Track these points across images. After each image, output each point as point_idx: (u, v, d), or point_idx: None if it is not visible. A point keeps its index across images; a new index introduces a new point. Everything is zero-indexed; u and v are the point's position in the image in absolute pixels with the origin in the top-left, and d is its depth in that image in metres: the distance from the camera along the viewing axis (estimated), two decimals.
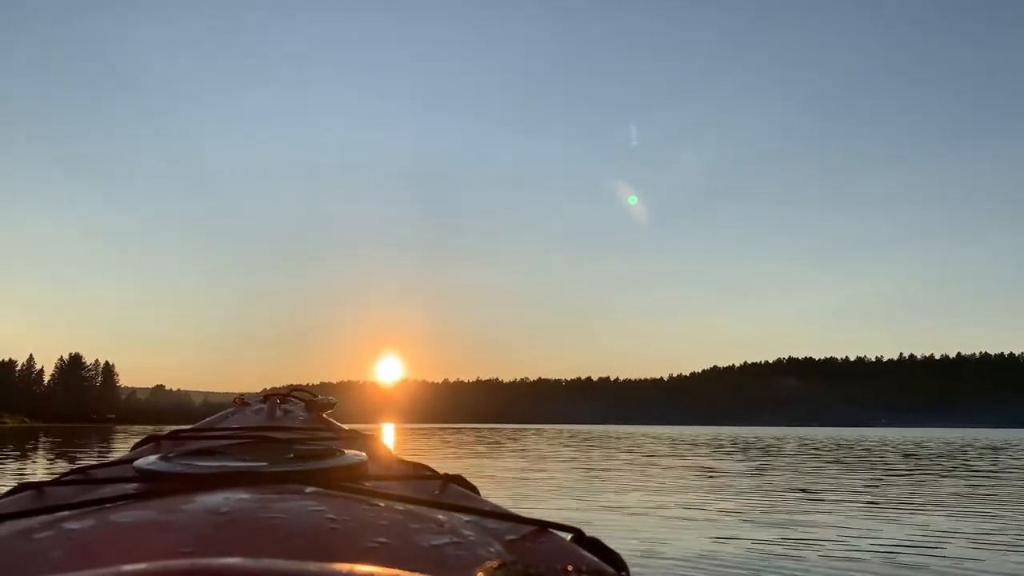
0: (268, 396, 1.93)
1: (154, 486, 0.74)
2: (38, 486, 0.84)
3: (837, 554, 3.97)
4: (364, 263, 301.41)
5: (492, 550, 0.61)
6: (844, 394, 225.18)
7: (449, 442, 23.47)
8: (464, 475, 0.93)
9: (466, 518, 0.70)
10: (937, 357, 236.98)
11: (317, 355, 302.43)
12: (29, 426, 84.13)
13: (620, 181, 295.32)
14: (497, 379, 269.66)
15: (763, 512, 5.70)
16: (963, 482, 8.81)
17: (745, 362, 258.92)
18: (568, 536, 0.69)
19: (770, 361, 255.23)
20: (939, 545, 4.28)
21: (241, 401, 1.93)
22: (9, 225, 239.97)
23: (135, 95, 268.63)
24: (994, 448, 20.77)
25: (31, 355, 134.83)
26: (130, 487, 0.77)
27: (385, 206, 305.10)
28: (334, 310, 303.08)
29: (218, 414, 1.78)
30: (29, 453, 15.51)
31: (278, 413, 1.77)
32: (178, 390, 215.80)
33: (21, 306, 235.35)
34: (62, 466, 11.30)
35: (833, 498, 6.82)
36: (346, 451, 0.93)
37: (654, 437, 31.23)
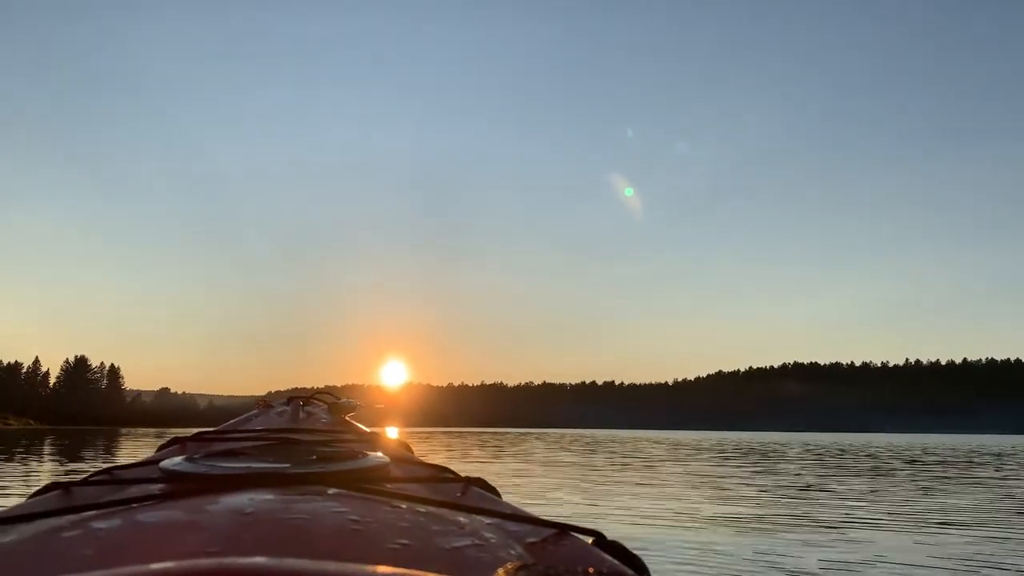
0: (291, 399, 1.97)
1: (180, 487, 0.75)
2: (66, 486, 0.86)
3: (839, 560, 3.98)
4: (369, 266, 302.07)
5: (513, 553, 0.61)
6: (849, 399, 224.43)
7: (449, 445, 23.48)
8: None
9: (487, 521, 0.71)
10: (943, 362, 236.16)
11: (322, 358, 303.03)
12: (35, 428, 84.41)
13: (624, 183, 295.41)
14: (502, 383, 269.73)
15: (770, 517, 5.70)
16: (967, 489, 8.79)
17: (750, 367, 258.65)
18: (589, 539, 0.69)
19: (775, 366, 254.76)
20: (937, 551, 4.28)
21: (265, 404, 1.96)
22: (14, 227, 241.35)
23: (139, 96, 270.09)
24: (1000, 454, 20.69)
25: (37, 357, 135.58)
26: (156, 488, 0.78)
27: (389, 208, 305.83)
28: (339, 313, 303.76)
29: (242, 416, 1.80)
30: (36, 455, 15.56)
31: (301, 415, 1.79)
32: (183, 393, 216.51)
33: (27, 309, 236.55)
34: (70, 468, 11.34)
35: (836, 504, 6.82)
36: (368, 453, 0.94)
37: (656, 442, 31.18)
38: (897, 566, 3.81)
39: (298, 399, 1.96)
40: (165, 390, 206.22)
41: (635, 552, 0.66)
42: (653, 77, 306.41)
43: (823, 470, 12.05)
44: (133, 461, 1.10)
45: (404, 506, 0.69)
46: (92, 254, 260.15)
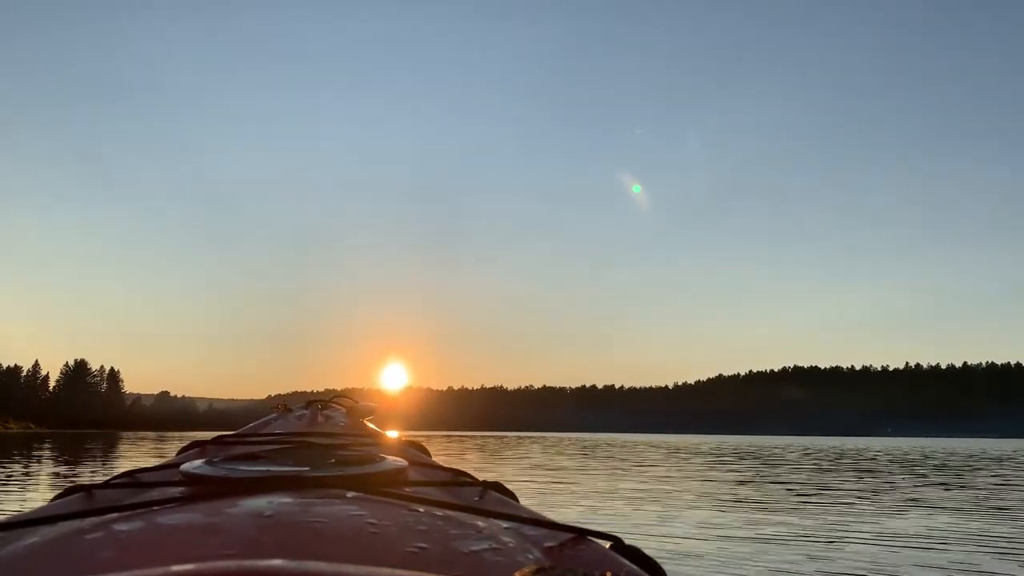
0: (310, 402, 1.99)
1: (200, 490, 0.76)
2: (88, 488, 0.87)
3: (836, 564, 3.99)
4: (369, 269, 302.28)
5: (530, 557, 0.62)
6: (850, 403, 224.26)
7: (447, 449, 23.48)
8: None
9: (505, 524, 0.71)
10: (944, 366, 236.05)
11: (322, 362, 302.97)
12: (34, 432, 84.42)
13: (627, 188, 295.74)
14: (502, 386, 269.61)
15: (769, 523, 5.72)
16: (965, 493, 8.80)
17: (751, 371, 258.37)
18: (607, 544, 0.69)
19: (776, 370, 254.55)
20: (933, 557, 4.30)
21: (284, 407, 1.98)
22: (15, 230, 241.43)
23: (141, 100, 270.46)
24: (1000, 459, 20.69)
25: (36, 361, 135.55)
26: (176, 491, 0.79)
27: (389, 211, 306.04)
28: (339, 317, 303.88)
29: (261, 420, 1.82)
30: (47, 459, 15.58)
31: (319, 419, 1.80)
32: (183, 397, 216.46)
33: (27, 312, 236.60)
34: (70, 471, 11.36)
35: (837, 507, 6.83)
36: (386, 457, 0.95)
37: (653, 446, 31.18)
38: (894, 570, 3.83)
39: (316, 403, 1.98)
40: (165, 393, 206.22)
41: (652, 557, 0.66)
42: (655, 80, 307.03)
43: (821, 474, 12.06)
44: (153, 464, 1.10)
45: (422, 510, 0.69)
46: (92, 257, 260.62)
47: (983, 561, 4.13)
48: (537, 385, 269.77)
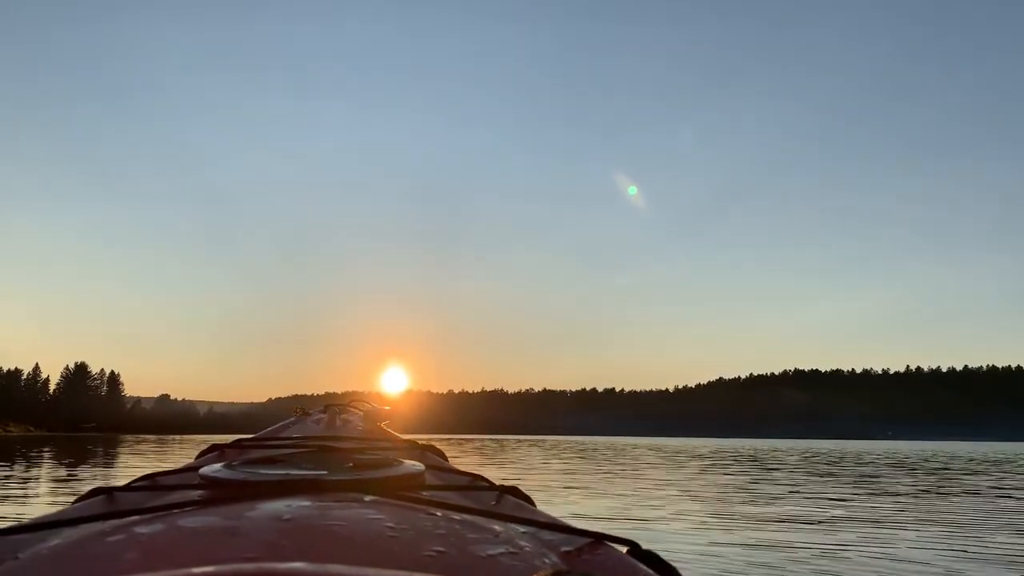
0: (328, 406, 2.02)
1: (219, 493, 0.77)
2: (109, 491, 0.88)
3: (832, 568, 4.01)
4: (370, 273, 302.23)
5: (548, 561, 0.62)
6: (850, 407, 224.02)
7: (445, 452, 23.47)
8: None
9: (522, 529, 0.71)
10: (944, 370, 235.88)
11: (323, 365, 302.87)
12: (34, 435, 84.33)
13: (627, 192, 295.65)
14: (502, 390, 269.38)
15: (773, 525, 5.74)
16: (964, 497, 8.82)
17: (751, 374, 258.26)
18: (624, 548, 0.69)
19: (776, 373, 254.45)
20: (928, 562, 4.32)
21: (302, 411, 2.00)
22: (15, 232, 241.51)
23: (142, 103, 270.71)
24: (1001, 463, 20.68)
25: (36, 364, 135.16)
26: (196, 494, 0.80)
27: (390, 214, 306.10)
28: (340, 320, 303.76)
29: (280, 424, 1.85)
30: (35, 463, 15.59)
31: (338, 423, 1.83)
32: (183, 400, 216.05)
33: (27, 315, 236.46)
34: (72, 473, 11.37)
35: (836, 512, 6.85)
36: (404, 461, 0.96)
37: (652, 449, 31.17)
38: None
39: (335, 407, 2.01)
40: (165, 397, 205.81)
41: (670, 562, 0.66)
42: (655, 82, 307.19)
43: (821, 478, 12.07)
44: (173, 467, 1.11)
45: (439, 514, 0.69)
46: (92, 260, 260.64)
47: (981, 567, 4.15)
48: (537, 388, 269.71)
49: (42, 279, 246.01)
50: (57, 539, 0.65)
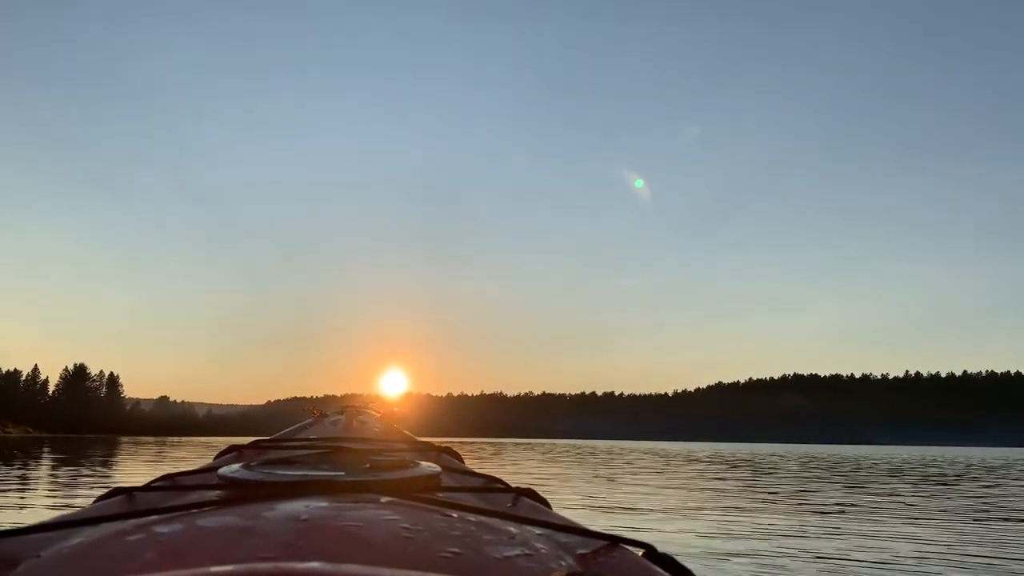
0: (345, 408, 2.06)
1: (237, 493, 0.78)
2: (129, 491, 0.90)
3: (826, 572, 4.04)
4: (369, 275, 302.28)
5: (563, 563, 0.62)
6: (849, 411, 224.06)
7: None
8: None
9: (538, 531, 0.72)
10: (943, 375, 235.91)
11: (322, 367, 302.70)
12: (33, 436, 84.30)
13: (628, 192, 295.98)
14: (501, 393, 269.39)
15: (774, 530, 5.76)
16: (963, 502, 8.84)
17: (750, 378, 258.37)
18: (640, 551, 0.69)
19: (775, 378, 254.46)
20: (923, 567, 4.35)
21: (319, 413, 2.04)
22: (15, 234, 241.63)
23: (141, 106, 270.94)
24: (999, 468, 20.69)
25: (36, 365, 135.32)
26: (214, 494, 0.81)
27: (390, 217, 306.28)
28: (339, 322, 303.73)
29: (297, 425, 1.88)
30: (34, 464, 15.60)
31: (354, 424, 1.85)
32: (182, 402, 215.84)
33: (27, 317, 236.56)
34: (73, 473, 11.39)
35: (834, 517, 6.87)
36: (420, 462, 0.96)
37: (646, 452, 31.18)
38: None
39: (351, 408, 2.05)
40: (164, 398, 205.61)
41: (686, 565, 0.66)
42: (657, 83, 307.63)
43: (818, 483, 12.09)
44: (193, 468, 1.12)
45: (455, 515, 0.70)
46: (92, 261, 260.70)
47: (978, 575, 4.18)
48: (537, 391, 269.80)
49: (42, 280, 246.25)
50: (78, 538, 0.66)
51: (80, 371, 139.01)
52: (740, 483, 11.40)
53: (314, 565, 0.32)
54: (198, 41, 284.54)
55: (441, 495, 0.81)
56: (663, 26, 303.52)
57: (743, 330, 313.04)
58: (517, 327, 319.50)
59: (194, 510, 0.69)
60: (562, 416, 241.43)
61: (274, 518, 0.63)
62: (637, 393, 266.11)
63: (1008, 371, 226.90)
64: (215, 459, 1.31)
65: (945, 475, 15.35)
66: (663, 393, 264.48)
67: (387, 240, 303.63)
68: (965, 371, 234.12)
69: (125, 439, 57.06)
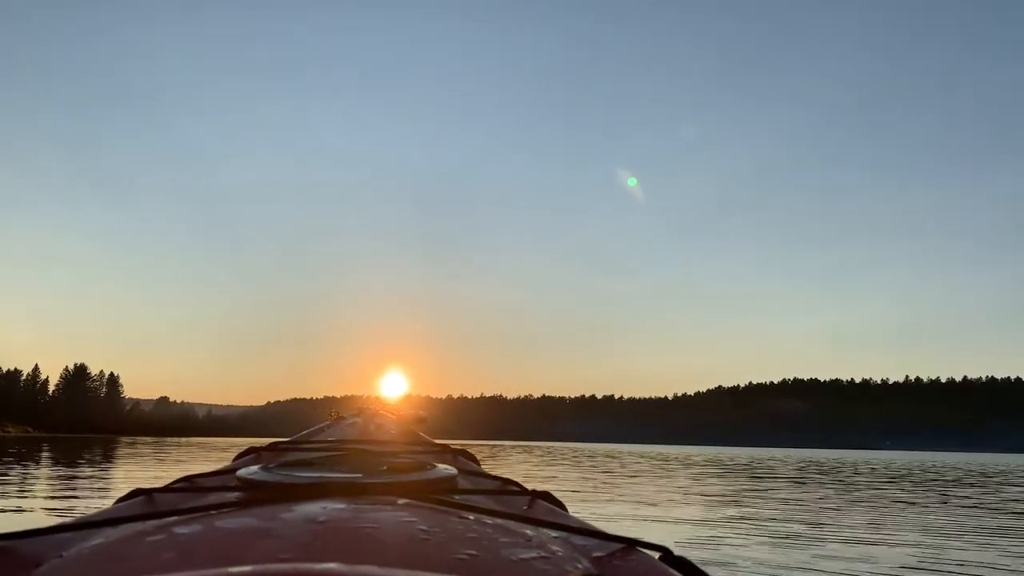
0: (362, 410, 2.09)
1: (255, 495, 0.78)
2: (148, 492, 0.91)
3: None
4: (369, 277, 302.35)
5: (580, 566, 0.62)
6: (849, 416, 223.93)
7: None
8: None
9: (554, 533, 0.72)
10: (943, 380, 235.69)
11: (322, 368, 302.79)
12: (33, 436, 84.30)
13: (626, 193, 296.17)
14: (501, 395, 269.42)
15: (774, 534, 5.77)
16: (961, 510, 8.85)
17: (750, 382, 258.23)
18: (656, 554, 0.70)
19: (775, 382, 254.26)
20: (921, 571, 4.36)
21: (337, 415, 2.06)
22: (15, 234, 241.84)
23: (141, 107, 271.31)
24: (999, 474, 20.67)
25: (36, 365, 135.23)
26: (233, 495, 0.82)
27: (389, 219, 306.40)
28: (338, 324, 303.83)
29: (315, 427, 1.89)
30: (33, 464, 15.62)
31: (371, 427, 1.87)
32: (182, 402, 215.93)
33: (27, 316, 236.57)
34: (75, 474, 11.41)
35: (832, 522, 6.88)
36: (437, 465, 0.96)
37: (641, 455, 31.18)
38: None
39: (368, 410, 2.07)
40: (164, 399, 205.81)
41: (703, 569, 0.66)
42: (658, 87, 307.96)
43: (820, 487, 12.09)
44: (211, 470, 1.14)
45: (472, 517, 0.70)
46: (92, 261, 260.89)
47: None
48: (536, 394, 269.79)
49: (42, 280, 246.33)
50: (99, 538, 0.66)
51: (80, 371, 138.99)
52: (737, 487, 11.40)
53: (331, 566, 0.33)
54: (199, 42, 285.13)
55: (457, 497, 0.82)
56: (665, 29, 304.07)
57: (744, 334, 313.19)
58: (517, 329, 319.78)
59: (213, 511, 0.70)
60: (562, 419, 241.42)
61: (292, 519, 0.64)
62: (637, 396, 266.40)
63: (1009, 377, 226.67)
64: (233, 460, 1.32)
65: (945, 482, 15.34)
66: (663, 396, 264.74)
67: (387, 241, 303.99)
68: (966, 376, 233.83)
69: (125, 439, 57.08)
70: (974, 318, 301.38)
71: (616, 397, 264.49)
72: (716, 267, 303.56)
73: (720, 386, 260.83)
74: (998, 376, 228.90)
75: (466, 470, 1.14)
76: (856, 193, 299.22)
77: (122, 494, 0.90)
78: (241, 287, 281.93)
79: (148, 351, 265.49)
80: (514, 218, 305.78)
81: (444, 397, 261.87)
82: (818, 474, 17.13)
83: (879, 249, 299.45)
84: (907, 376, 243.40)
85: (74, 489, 8.73)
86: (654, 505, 7.94)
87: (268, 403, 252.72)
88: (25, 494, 8.07)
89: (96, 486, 9.22)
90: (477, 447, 44.45)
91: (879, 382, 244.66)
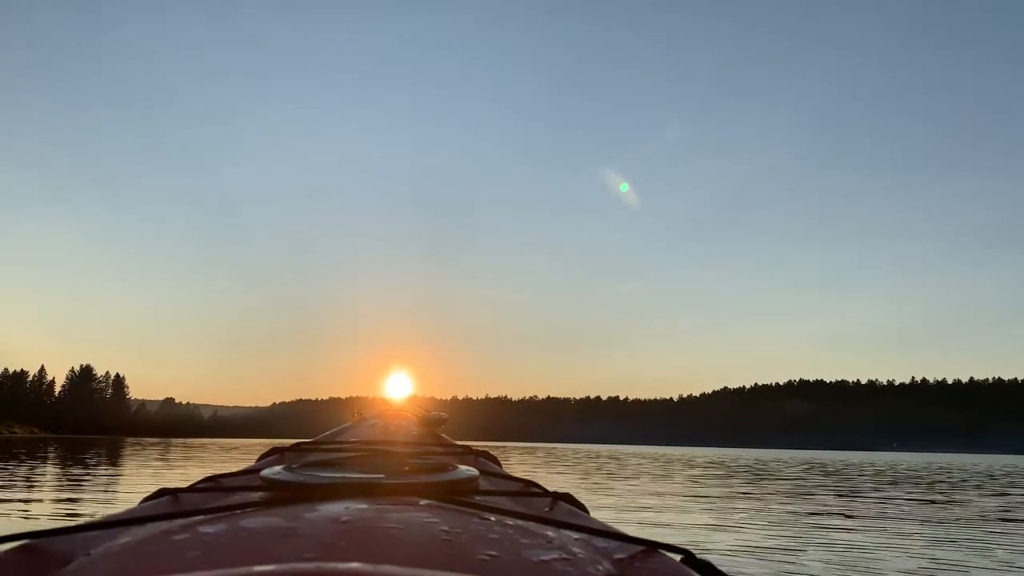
0: (384, 411, 2.12)
1: (279, 495, 0.79)
2: (174, 492, 0.92)
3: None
4: (373, 278, 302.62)
5: (601, 568, 0.62)
6: (855, 418, 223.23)
7: None
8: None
9: (575, 535, 0.72)
10: (950, 382, 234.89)
11: (327, 370, 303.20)
12: (38, 437, 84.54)
13: (631, 199, 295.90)
14: (506, 397, 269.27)
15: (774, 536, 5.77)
16: (968, 512, 8.82)
17: (756, 384, 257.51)
18: (678, 557, 0.69)
19: (781, 383, 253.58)
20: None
21: (359, 416, 2.09)
22: (22, 236, 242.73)
23: (147, 109, 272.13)
24: (1003, 476, 20.59)
25: (43, 366, 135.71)
26: (257, 495, 0.83)
27: (393, 221, 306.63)
28: (343, 325, 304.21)
29: (337, 428, 1.92)
30: (39, 463, 15.68)
31: (393, 428, 1.90)
32: (188, 403, 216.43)
33: (33, 317, 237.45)
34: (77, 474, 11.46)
35: (836, 523, 6.87)
36: (458, 466, 0.96)
37: (648, 457, 31.15)
38: None
39: (390, 412, 2.11)
40: (170, 400, 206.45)
41: (725, 572, 0.65)
42: (659, 91, 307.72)
43: (824, 489, 12.07)
44: (235, 470, 1.16)
45: (493, 519, 0.70)
46: (99, 263, 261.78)
47: None
48: (541, 395, 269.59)
49: (48, 281, 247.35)
50: (126, 537, 0.68)
51: (86, 372, 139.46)
52: (742, 489, 11.39)
53: (354, 566, 0.33)
54: (203, 44, 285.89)
55: (479, 499, 0.82)
56: (664, 31, 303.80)
57: (749, 335, 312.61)
58: (522, 331, 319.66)
59: (237, 511, 0.70)
60: (567, 420, 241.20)
61: (315, 519, 0.64)
62: (642, 398, 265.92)
63: (1016, 378, 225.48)
64: (257, 461, 1.34)
65: (951, 483, 15.29)
66: (668, 398, 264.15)
67: (392, 243, 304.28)
68: (972, 378, 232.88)
69: (130, 440, 57.23)
70: (980, 319, 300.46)
71: (621, 398, 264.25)
72: (720, 268, 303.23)
73: (725, 387, 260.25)
74: (1005, 377, 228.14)
75: (487, 471, 1.15)
76: (859, 193, 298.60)
77: (143, 494, 0.90)
78: (246, 288, 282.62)
79: (154, 352, 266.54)
80: (520, 219, 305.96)
81: (449, 398, 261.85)
82: (824, 476, 17.09)
83: (884, 250, 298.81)
84: (913, 377, 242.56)
85: (89, 490, 8.76)
86: (659, 509, 7.93)
87: (273, 404, 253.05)
88: (39, 494, 8.11)
89: (112, 486, 9.26)
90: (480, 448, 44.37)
91: (885, 383, 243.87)
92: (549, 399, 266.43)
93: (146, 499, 0.93)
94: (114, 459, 18.56)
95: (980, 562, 4.66)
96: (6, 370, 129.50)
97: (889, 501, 9.53)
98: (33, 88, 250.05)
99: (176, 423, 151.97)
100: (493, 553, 0.59)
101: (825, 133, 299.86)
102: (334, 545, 0.57)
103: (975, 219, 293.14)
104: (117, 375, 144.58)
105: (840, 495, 10.49)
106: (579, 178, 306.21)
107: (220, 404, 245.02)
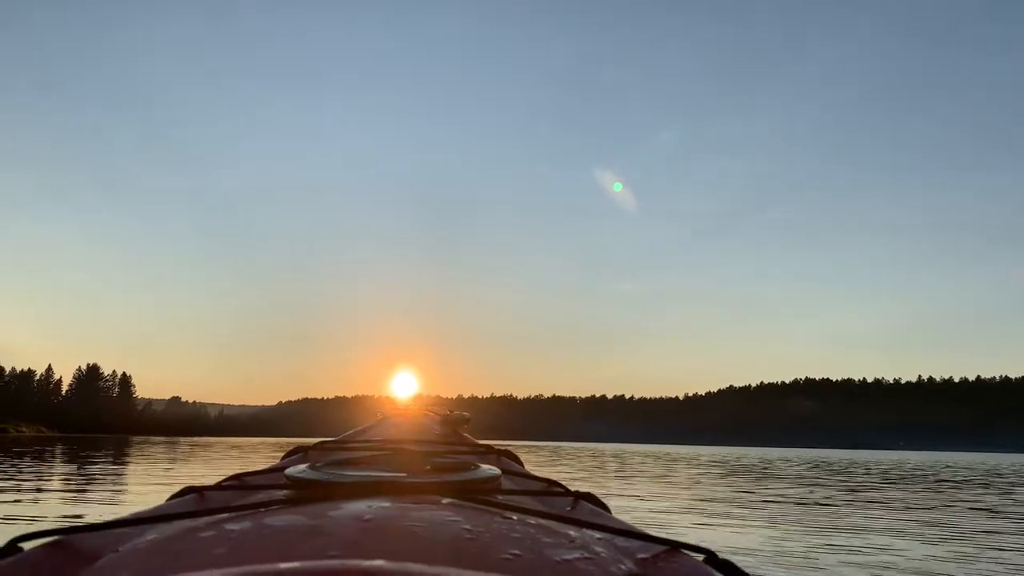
0: (407, 410, 2.15)
1: (303, 493, 0.80)
2: (200, 490, 0.93)
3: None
4: (378, 278, 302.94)
5: (623, 567, 0.62)
6: (861, 416, 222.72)
7: None
8: None
9: (597, 535, 0.72)
10: (956, 380, 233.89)
11: (332, 369, 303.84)
12: (46, 435, 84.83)
13: (637, 200, 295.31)
14: (512, 395, 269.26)
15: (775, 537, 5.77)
16: (974, 511, 8.81)
17: (762, 382, 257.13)
18: (700, 557, 0.70)
19: (787, 382, 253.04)
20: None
21: (382, 415, 2.12)
22: (30, 237, 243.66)
23: (151, 111, 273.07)
24: (1010, 474, 20.52)
25: (49, 365, 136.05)
26: (281, 494, 0.83)
27: (398, 221, 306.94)
28: (349, 324, 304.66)
29: (360, 427, 1.94)
30: (47, 462, 15.74)
31: (415, 427, 1.92)
32: (194, 402, 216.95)
33: (40, 317, 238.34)
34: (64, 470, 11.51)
35: (845, 522, 6.87)
36: (481, 465, 0.97)
37: (653, 455, 31.11)
38: None
39: (412, 411, 2.14)
40: (176, 399, 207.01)
41: (747, 571, 0.65)
42: (666, 93, 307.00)
43: (828, 488, 12.05)
44: (260, 468, 1.17)
45: (515, 518, 0.70)
46: (105, 263, 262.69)
47: None
48: (547, 394, 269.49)
49: (55, 281, 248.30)
50: (153, 534, 0.69)
51: (93, 371, 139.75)
52: (749, 487, 11.38)
53: (378, 563, 0.34)
54: (206, 45, 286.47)
55: (501, 498, 0.82)
56: (673, 33, 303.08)
57: (755, 334, 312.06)
58: (527, 330, 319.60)
59: (262, 509, 0.71)
60: (573, 419, 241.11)
61: (339, 517, 0.65)
62: (648, 397, 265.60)
63: (1022, 377, 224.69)
64: (281, 460, 1.35)
65: (958, 482, 15.25)
66: (674, 397, 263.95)
67: (393, 242, 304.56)
68: (978, 376, 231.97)
69: (137, 439, 57.39)
70: (986, 317, 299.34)
71: (627, 397, 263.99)
72: (725, 267, 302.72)
73: (731, 386, 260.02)
74: (1012, 376, 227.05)
75: (510, 470, 1.15)
76: (864, 193, 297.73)
77: (160, 492, 0.99)
78: (250, 288, 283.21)
79: (160, 351, 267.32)
80: (524, 219, 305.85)
81: (455, 397, 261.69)
82: (829, 474, 17.06)
83: (889, 248, 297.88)
84: (919, 376, 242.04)
85: (108, 488, 8.80)
86: (668, 510, 7.94)
87: (279, 403, 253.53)
88: (58, 493, 8.15)
89: (130, 484, 9.29)
90: (501, 447, 44.41)
91: (891, 382, 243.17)
92: (554, 398, 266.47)
93: (172, 497, 0.94)
94: (125, 458, 18.62)
95: (990, 557, 4.67)
96: (13, 369, 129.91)
97: (896, 500, 9.52)
98: (33, 88, 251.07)
99: (182, 422, 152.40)
100: (515, 552, 0.59)
101: (832, 134, 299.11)
102: (358, 543, 0.58)
103: (982, 217, 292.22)
104: (124, 374, 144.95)
105: (847, 493, 10.47)
106: (581, 178, 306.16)
107: (226, 403, 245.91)
